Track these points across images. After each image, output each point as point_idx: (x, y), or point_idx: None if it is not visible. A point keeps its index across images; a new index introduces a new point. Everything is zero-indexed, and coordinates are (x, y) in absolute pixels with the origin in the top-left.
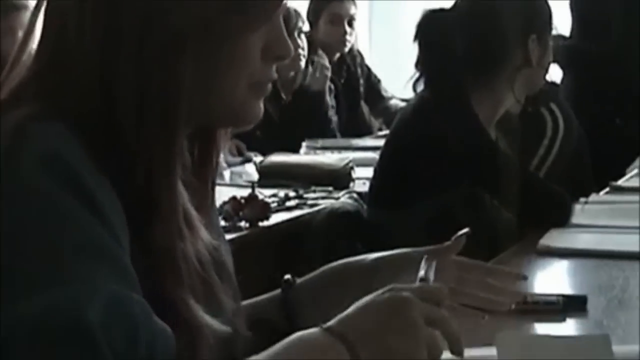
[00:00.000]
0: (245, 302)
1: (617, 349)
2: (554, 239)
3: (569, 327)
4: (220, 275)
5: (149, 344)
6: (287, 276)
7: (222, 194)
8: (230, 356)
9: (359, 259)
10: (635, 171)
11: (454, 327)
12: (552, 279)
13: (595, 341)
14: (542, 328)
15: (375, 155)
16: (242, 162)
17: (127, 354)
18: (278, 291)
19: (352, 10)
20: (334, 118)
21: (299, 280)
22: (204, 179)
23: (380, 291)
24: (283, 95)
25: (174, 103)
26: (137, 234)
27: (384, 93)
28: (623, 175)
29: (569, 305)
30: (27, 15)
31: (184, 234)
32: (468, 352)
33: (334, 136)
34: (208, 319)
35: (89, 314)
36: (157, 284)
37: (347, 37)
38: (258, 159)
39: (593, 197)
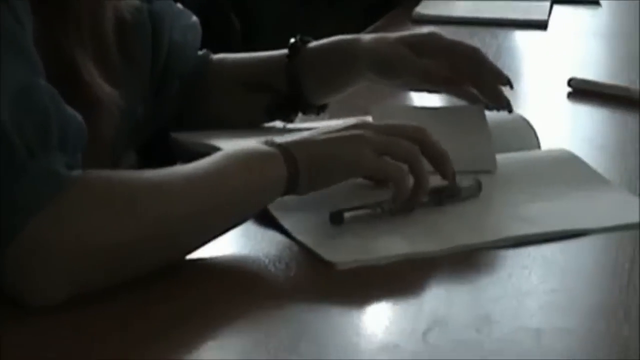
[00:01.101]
0: (241, 58)
1: (491, 114)
2: (430, 7)
3: (442, 96)
4: (134, 39)
5: (61, 132)
6: (293, 40)
7: None
8: (134, 133)
9: (366, 36)
10: None
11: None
12: None
13: (470, 111)
14: (417, 98)
15: None
16: None
17: (39, 145)
18: (282, 52)
19: None
20: None
21: (309, 45)
22: None
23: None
24: None
25: None
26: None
27: None
28: None
29: None
30: None
31: None
32: (344, 121)
33: None
34: (111, 90)
35: None
36: (62, 50)
37: None
38: None
39: None
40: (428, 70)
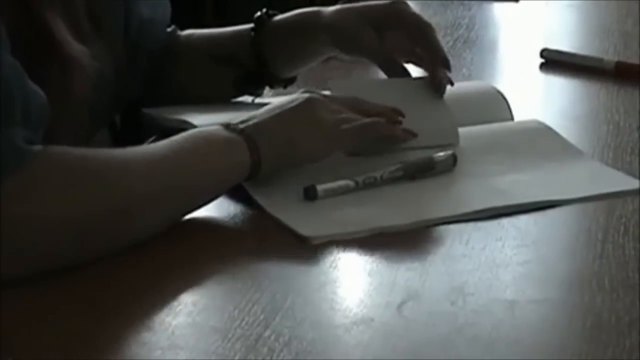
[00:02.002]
0: (208, 33)
1: (463, 86)
2: None
3: (410, 68)
4: (103, 7)
5: (24, 107)
6: (259, 13)
7: None
8: (111, 102)
9: (328, 8)
10: None
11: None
12: None
13: (427, 82)
14: (376, 72)
15: None
16: None
17: (3, 119)
18: (248, 26)
19: None
20: None
21: (274, 19)
22: None
23: (295, 95)
24: None
25: None
26: None
27: None
28: None
29: None
30: None
31: None
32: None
33: None
34: (81, 47)
35: None
36: (32, 11)
37: None
38: None
39: None
40: (388, 63)
